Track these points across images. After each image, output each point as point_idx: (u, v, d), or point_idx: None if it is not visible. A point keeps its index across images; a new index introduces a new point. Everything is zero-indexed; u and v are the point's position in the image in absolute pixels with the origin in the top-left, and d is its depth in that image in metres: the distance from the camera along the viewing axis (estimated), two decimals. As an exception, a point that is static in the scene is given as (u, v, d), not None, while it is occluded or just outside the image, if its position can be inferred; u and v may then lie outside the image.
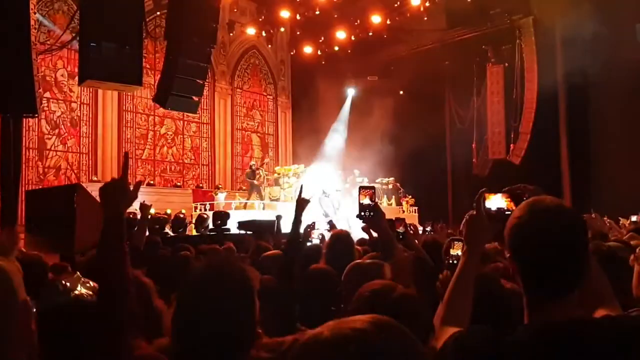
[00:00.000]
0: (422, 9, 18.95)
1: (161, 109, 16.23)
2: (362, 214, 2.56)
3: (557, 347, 1.34)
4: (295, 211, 3.53)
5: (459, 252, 2.93)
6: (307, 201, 3.57)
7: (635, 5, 17.32)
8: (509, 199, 2.03)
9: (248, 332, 1.52)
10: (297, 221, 3.53)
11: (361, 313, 1.73)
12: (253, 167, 18.64)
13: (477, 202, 1.87)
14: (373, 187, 2.66)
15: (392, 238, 2.64)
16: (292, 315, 2.69)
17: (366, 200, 2.56)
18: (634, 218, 7.29)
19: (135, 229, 5.19)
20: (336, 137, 22.14)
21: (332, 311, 2.78)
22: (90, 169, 18.83)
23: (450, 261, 2.84)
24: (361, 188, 2.61)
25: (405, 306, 1.78)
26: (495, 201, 1.95)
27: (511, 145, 21.18)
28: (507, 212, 1.83)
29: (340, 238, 3.88)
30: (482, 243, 1.91)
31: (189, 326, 1.48)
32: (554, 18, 19.71)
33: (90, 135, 18.95)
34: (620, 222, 8.10)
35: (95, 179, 17.99)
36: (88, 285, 1.94)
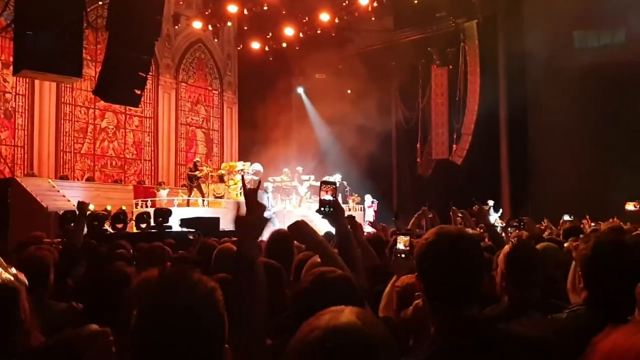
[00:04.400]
0: (370, 9, 19.07)
1: (102, 102, 15.81)
2: (322, 209, 2.57)
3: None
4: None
5: (403, 246, 2.97)
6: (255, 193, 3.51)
7: (574, 13, 18.01)
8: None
9: (219, 349, 1.37)
10: None
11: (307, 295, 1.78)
12: (199, 164, 18.33)
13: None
14: (335, 183, 2.66)
15: (350, 234, 2.65)
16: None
17: (327, 196, 2.56)
18: (566, 217, 7.57)
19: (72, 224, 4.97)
20: (286, 135, 22.05)
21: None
22: (26, 162, 18.08)
23: (398, 255, 2.87)
24: (323, 183, 2.60)
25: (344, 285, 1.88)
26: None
27: (454, 145, 21.65)
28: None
29: (280, 236, 3.89)
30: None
31: (153, 346, 1.31)
32: (497, 23, 20.30)
33: (26, 128, 18.19)
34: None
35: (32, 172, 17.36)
36: (10, 271, 1.99)
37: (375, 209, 20.15)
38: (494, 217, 16.27)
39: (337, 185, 2.64)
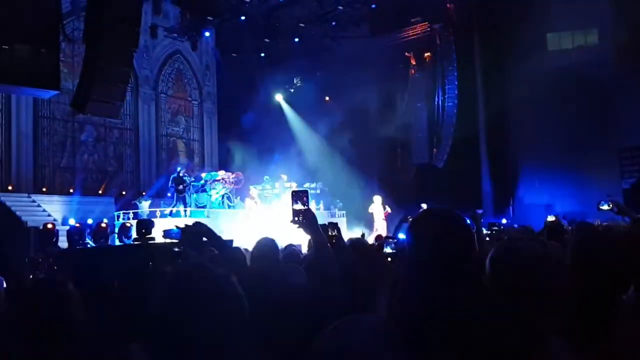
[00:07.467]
0: (346, 16, 19.24)
1: (81, 114, 15.68)
2: (296, 219, 2.57)
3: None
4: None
5: (390, 249, 3.02)
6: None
7: (547, 15, 18.33)
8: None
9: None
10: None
11: None
12: (181, 174, 18.20)
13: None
14: (306, 191, 2.67)
15: (324, 241, 2.63)
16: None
17: (299, 206, 2.57)
18: (550, 218, 7.69)
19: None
20: (266, 143, 22.00)
21: None
22: (4, 178, 17.83)
23: (388, 259, 2.92)
24: (294, 193, 2.60)
25: None
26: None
27: (434, 149, 21.78)
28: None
29: (265, 244, 3.98)
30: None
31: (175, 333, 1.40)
32: (473, 27, 20.57)
33: (3, 144, 17.96)
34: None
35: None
36: None
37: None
38: None
39: (309, 192, 2.63)
